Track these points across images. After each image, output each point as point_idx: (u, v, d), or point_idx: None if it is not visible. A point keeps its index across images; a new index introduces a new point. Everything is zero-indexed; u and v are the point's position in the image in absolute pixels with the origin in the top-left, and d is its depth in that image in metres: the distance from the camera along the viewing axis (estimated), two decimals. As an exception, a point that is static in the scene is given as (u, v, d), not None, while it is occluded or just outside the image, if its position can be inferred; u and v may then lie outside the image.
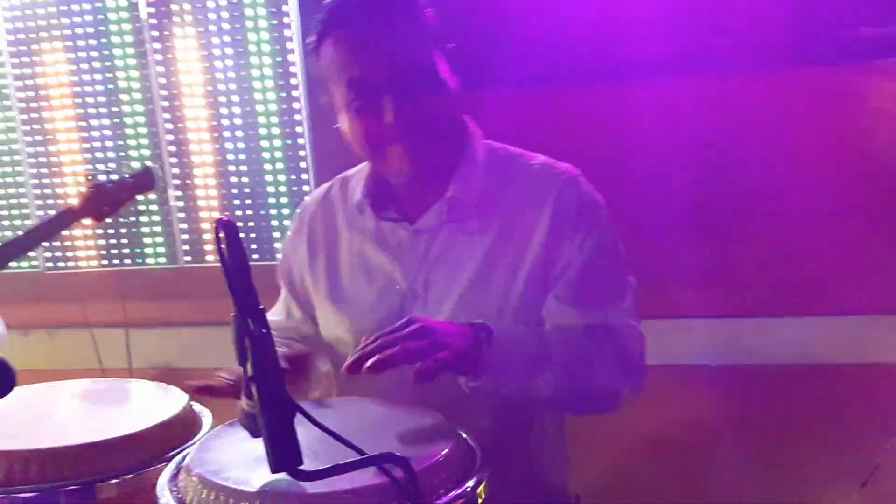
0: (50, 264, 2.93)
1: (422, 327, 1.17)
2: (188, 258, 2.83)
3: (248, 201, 2.74)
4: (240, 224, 2.87)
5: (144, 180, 1.98)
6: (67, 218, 1.99)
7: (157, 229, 2.84)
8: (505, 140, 1.57)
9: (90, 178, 1.89)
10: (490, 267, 1.40)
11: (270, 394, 0.91)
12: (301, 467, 0.90)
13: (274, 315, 1.63)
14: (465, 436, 1.16)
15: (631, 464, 2.75)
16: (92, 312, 2.38)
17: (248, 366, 0.93)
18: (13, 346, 2.47)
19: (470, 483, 1.04)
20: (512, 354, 1.26)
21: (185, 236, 2.81)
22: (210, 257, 2.81)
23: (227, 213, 2.75)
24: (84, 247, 2.92)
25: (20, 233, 2.04)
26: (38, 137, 2.87)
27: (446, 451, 1.06)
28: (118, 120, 2.79)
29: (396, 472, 0.93)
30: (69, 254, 2.92)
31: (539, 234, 1.39)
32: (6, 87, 2.85)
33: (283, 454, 0.90)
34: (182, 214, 2.80)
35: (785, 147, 2.40)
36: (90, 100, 2.80)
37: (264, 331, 0.93)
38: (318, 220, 1.57)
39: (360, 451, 0.95)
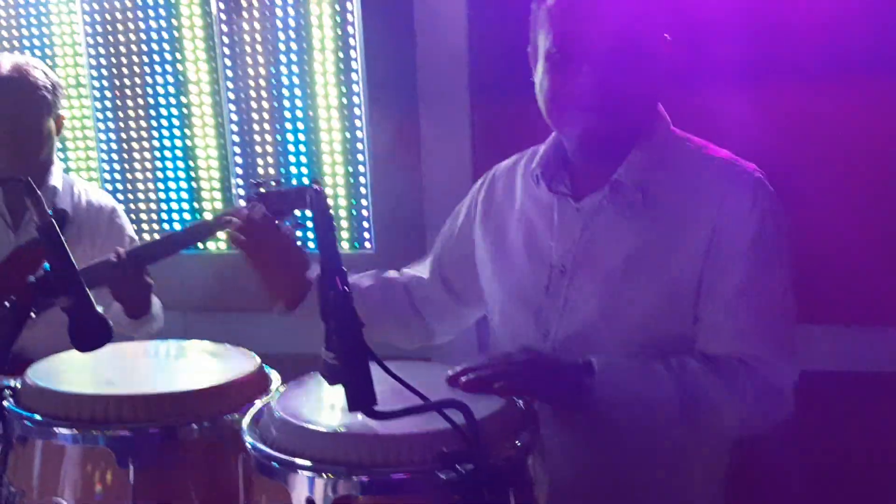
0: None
1: (529, 361, 1.26)
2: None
3: (307, 191, 2.87)
4: (297, 213, 3.05)
5: (309, 197, 2.01)
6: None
7: (220, 214, 2.99)
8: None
9: (256, 184, 1.93)
10: (644, 255, 1.38)
11: (350, 343, 1.03)
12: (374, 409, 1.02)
13: (416, 270, 1.73)
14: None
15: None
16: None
17: (332, 319, 1.05)
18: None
19: (523, 436, 1.15)
20: (615, 393, 1.27)
21: (246, 222, 2.94)
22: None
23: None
24: (147, 229, 3.07)
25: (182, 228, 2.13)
26: (111, 125, 3.03)
27: (502, 404, 1.17)
28: (187, 110, 2.95)
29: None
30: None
31: (703, 231, 1.34)
32: (83, 76, 3.02)
33: (361, 395, 1.02)
34: (243, 202, 2.94)
35: (851, 155, 2.41)
36: (161, 90, 2.96)
37: (346, 289, 1.05)
38: (500, 184, 1.61)
39: (425, 399, 1.06)
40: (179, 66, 2.93)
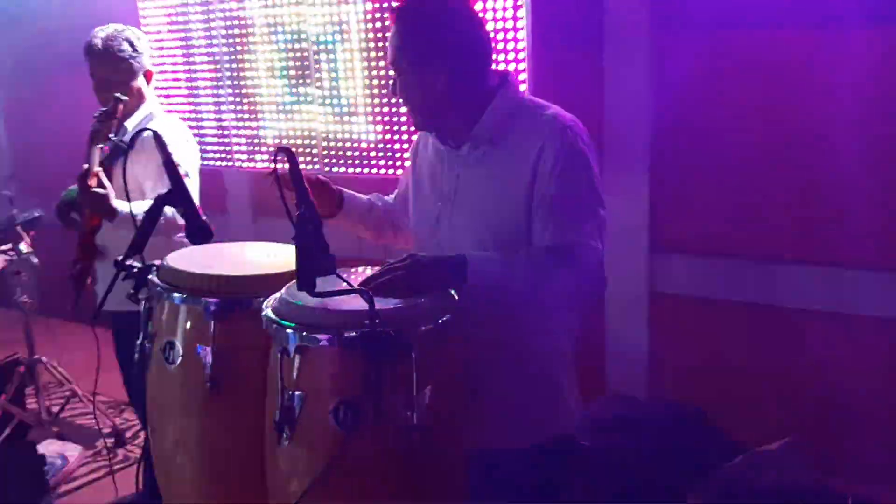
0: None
1: (410, 262, 1.77)
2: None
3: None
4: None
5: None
6: None
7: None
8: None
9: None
10: (496, 186, 1.94)
11: (303, 249, 1.59)
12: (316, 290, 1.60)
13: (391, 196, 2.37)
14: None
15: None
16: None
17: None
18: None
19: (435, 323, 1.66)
20: (483, 276, 1.79)
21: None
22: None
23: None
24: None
25: None
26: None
27: (418, 300, 1.70)
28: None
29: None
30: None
31: (530, 163, 1.88)
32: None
33: (304, 281, 1.58)
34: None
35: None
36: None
37: (307, 214, 1.61)
38: (422, 139, 2.22)
39: (353, 288, 1.61)
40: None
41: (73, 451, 4.03)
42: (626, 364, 3.74)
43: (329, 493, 1.64)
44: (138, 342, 2.07)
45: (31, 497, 2.86)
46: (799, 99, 3.17)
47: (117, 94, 2.76)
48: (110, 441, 4.15)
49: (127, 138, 2.89)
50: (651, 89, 3.47)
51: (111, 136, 2.74)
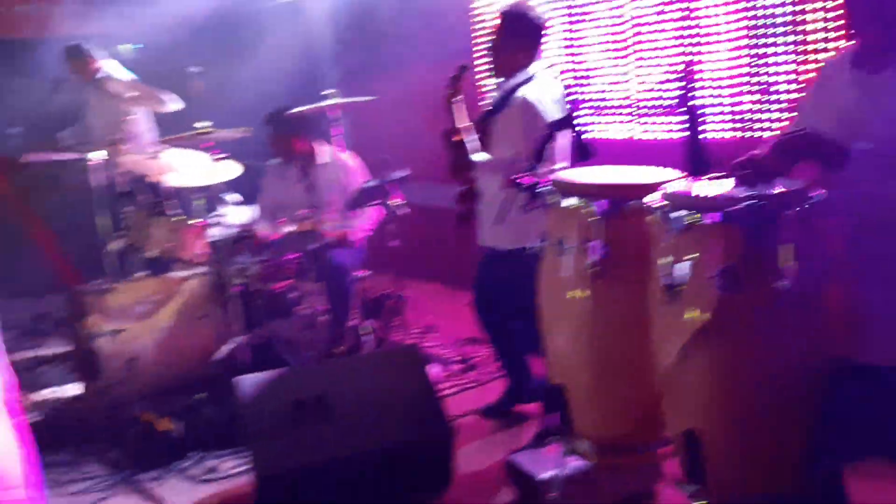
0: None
1: (810, 131, 2.09)
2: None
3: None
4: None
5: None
6: None
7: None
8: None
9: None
10: None
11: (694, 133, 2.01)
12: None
13: None
14: None
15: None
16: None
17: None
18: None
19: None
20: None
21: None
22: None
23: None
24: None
25: None
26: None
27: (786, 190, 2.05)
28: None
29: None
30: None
31: None
32: None
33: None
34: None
35: None
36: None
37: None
38: None
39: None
40: None
41: (432, 370, 4.76)
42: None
43: (707, 345, 2.05)
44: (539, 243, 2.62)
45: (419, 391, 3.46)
46: None
47: (463, 64, 3.36)
48: (461, 366, 4.84)
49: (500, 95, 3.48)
50: None
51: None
